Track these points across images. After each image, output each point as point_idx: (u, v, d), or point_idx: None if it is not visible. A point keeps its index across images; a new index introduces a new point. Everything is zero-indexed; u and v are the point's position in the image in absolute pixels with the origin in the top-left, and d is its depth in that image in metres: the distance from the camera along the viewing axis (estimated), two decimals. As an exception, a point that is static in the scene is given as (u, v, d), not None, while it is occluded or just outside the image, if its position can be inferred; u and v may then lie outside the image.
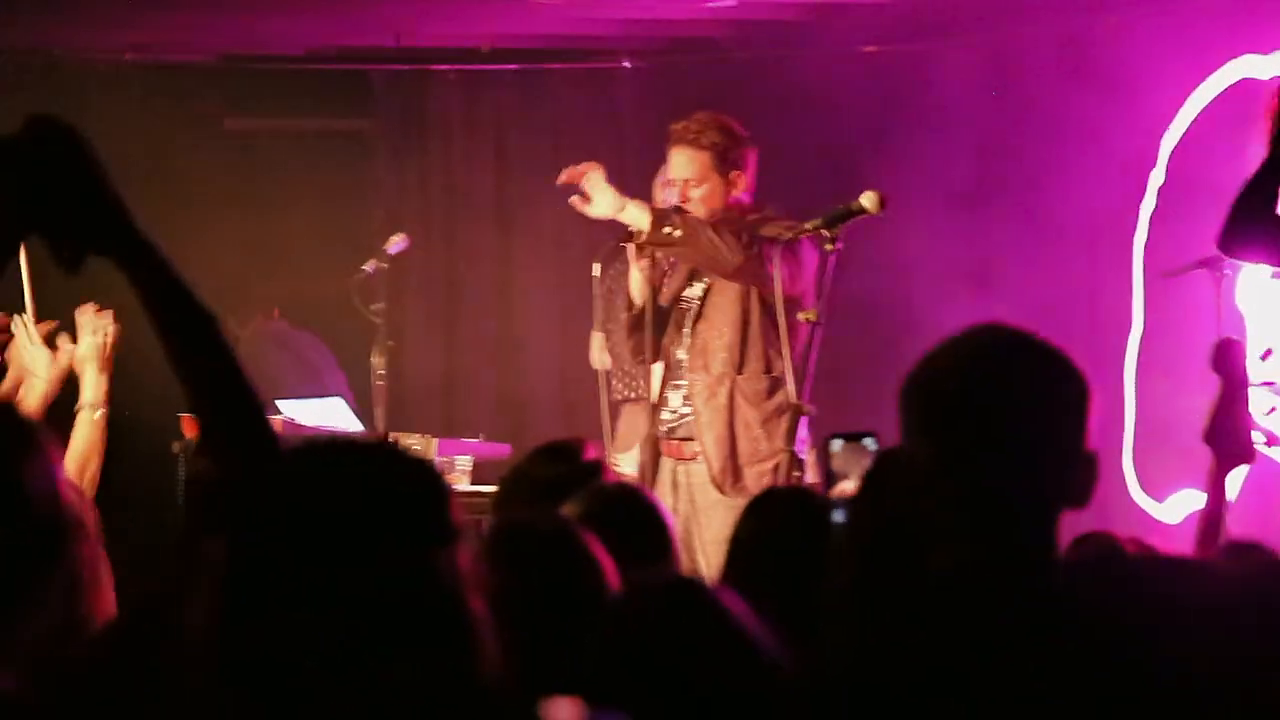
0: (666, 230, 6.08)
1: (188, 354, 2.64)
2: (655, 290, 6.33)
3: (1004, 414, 2.35)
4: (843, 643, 2.37)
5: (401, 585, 2.06)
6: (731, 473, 6.20)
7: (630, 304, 6.40)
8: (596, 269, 6.36)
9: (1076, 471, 2.39)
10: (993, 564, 2.33)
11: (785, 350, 5.94)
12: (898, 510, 2.71)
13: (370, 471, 2.15)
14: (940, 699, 2.24)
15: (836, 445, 3.45)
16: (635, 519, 3.37)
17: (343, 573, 2.06)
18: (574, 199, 6.24)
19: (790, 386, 5.80)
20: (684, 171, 6.30)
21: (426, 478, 2.17)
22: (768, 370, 6.22)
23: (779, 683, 2.21)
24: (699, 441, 6.26)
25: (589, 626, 2.29)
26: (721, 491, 6.15)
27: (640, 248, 6.24)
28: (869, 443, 3.33)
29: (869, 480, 3.05)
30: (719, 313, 6.28)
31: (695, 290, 6.38)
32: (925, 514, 2.38)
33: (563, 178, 6.28)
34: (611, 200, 6.17)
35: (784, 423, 5.98)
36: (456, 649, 1.81)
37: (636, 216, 6.13)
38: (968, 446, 2.35)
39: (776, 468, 5.96)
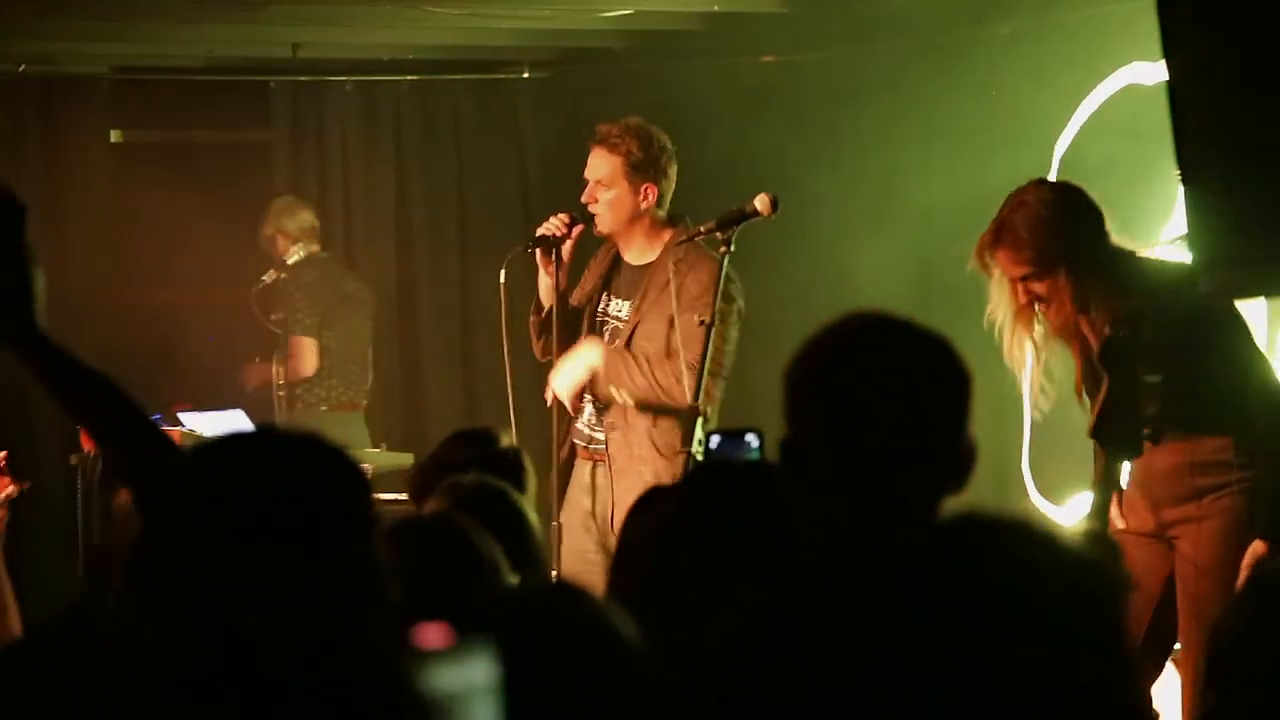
0: (612, 390, 6.15)
1: (91, 420, 2.76)
2: (563, 293, 6.34)
3: (883, 398, 2.38)
4: (714, 633, 2.39)
5: (322, 569, 2.08)
6: None
7: (539, 306, 6.41)
8: (503, 275, 6.35)
9: (956, 456, 2.42)
10: (871, 549, 2.36)
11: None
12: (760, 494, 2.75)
13: (294, 459, 2.17)
14: (808, 684, 2.27)
15: (715, 441, 3.50)
16: (499, 520, 3.37)
17: (261, 556, 2.08)
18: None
19: (688, 388, 5.82)
20: (595, 172, 6.32)
21: (347, 468, 2.19)
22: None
23: (651, 688, 2.23)
24: (610, 487, 6.24)
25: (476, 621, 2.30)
26: None
27: (546, 251, 6.26)
28: (750, 439, 3.37)
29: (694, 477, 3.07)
30: (640, 352, 6.24)
31: (620, 309, 6.36)
32: (805, 498, 2.41)
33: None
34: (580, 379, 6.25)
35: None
36: (371, 633, 1.83)
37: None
38: (848, 431, 2.37)
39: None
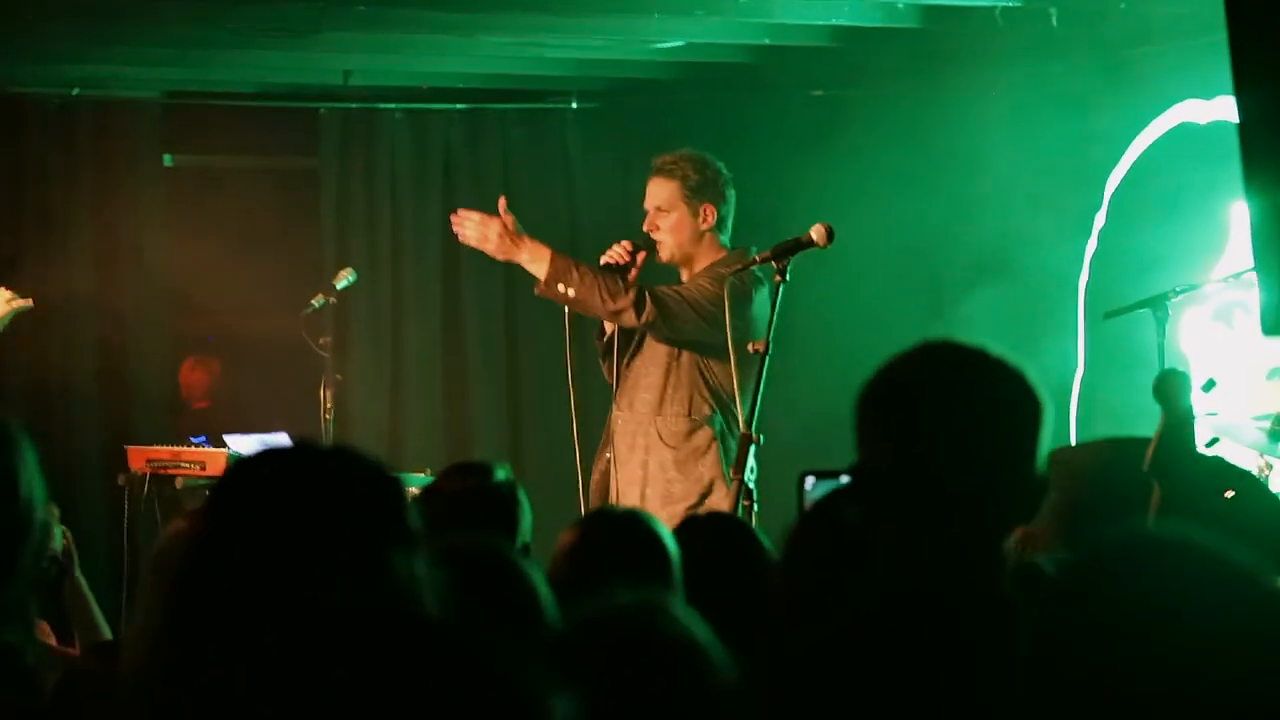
0: (560, 288, 6.17)
1: None
2: None
3: (957, 427, 2.36)
4: (793, 654, 2.38)
5: (356, 584, 2.07)
6: None
7: (601, 331, 6.48)
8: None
9: (1026, 488, 2.40)
10: (942, 577, 2.35)
11: (735, 386, 5.96)
12: (845, 523, 2.73)
13: (332, 472, 2.16)
14: (888, 709, 2.26)
15: (811, 483, 3.47)
16: (636, 544, 3.35)
17: (294, 571, 2.07)
18: (463, 233, 6.35)
19: (740, 415, 5.83)
20: (654, 199, 6.39)
21: (386, 481, 2.18)
22: (690, 413, 6.24)
23: (732, 701, 2.22)
24: (614, 479, 6.29)
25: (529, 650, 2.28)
26: None
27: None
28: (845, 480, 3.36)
29: (815, 514, 3.05)
30: (650, 349, 6.33)
31: None
32: (877, 524, 2.40)
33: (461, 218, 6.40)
34: (509, 248, 6.27)
35: (701, 465, 6.06)
36: (405, 651, 1.81)
37: (534, 267, 6.25)
38: (921, 459, 2.36)
39: (695, 507, 6.01)
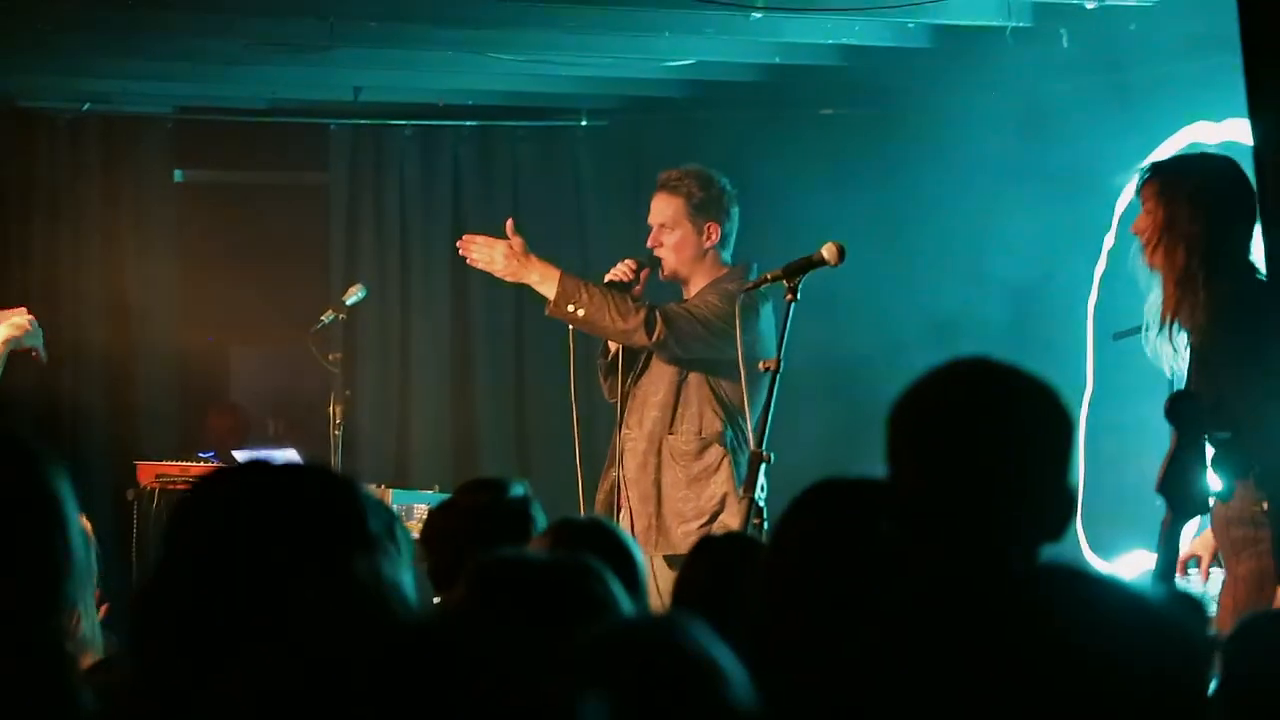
0: (570, 308, 6.19)
1: None
2: None
3: (988, 444, 2.37)
4: (801, 674, 2.38)
5: (320, 591, 2.09)
6: (656, 530, 6.22)
7: (605, 349, 6.48)
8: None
9: (1056, 505, 2.40)
10: (966, 596, 2.35)
11: (745, 402, 5.96)
12: (862, 535, 2.73)
13: (284, 483, 2.18)
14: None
15: None
16: (603, 552, 3.37)
17: (257, 584, 2.09)
18: (471, 257, 6.38)
19: (750, 434, 5.83)
20: (658, 216, 6.40)
21: (341, 488, 2.20)
22: (701, 431, 6.24)
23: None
24: (625, 498, 6.30)
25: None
26: (645, 550, 6.14)
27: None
28: None
29: (801, 505, 3.05)
30: (657, 368, 6.34)
31: None
32: (902, 539, 2.40)
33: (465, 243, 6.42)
34: (517, 269, 6.28)
35: (713, 483, 6.06)
36: (368, 651, 1.81)
37: (544, 288, 6.27)
38: (951, 477, 2.36)
39: (708, 524, 6.03)
